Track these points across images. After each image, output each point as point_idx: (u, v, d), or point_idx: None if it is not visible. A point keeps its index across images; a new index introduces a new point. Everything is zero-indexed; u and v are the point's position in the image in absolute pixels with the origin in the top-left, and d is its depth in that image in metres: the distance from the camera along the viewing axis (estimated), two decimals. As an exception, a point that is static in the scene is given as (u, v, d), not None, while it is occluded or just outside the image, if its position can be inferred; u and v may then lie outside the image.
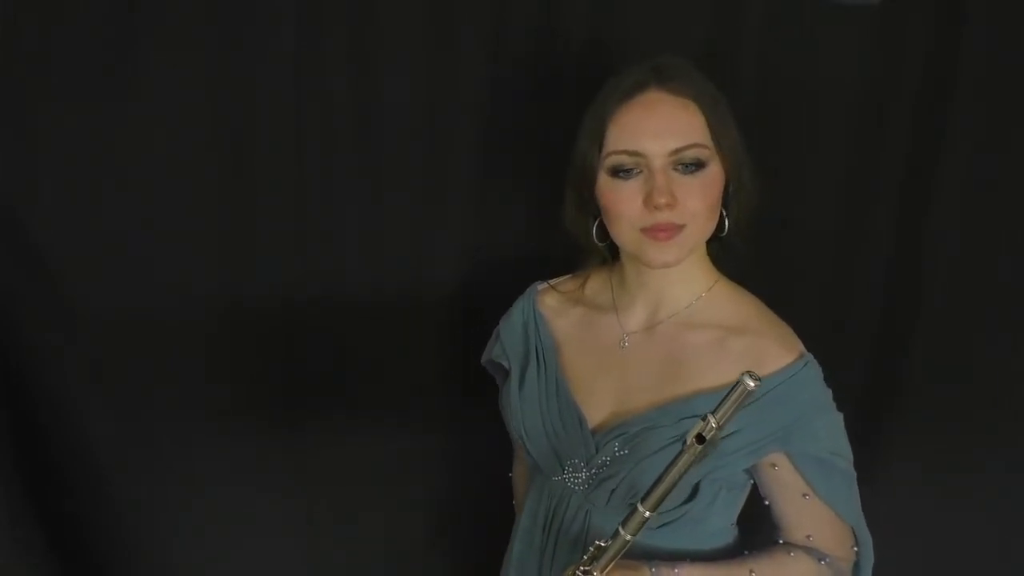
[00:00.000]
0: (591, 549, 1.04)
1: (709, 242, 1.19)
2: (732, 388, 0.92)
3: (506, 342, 1.31)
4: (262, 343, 1.59)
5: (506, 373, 1.35)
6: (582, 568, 1.04)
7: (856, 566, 1.20)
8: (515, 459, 1.45)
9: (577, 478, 1.20)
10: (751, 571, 1.14)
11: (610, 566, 1.03)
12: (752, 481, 1.20)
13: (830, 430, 1.15)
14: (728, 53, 1.46)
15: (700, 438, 0.94)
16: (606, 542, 1.02)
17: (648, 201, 1.09)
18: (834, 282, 1.53)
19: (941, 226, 1.47)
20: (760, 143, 1.47)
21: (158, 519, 1.62)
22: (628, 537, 1.00)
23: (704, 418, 0.93)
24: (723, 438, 1.05)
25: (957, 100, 1.42)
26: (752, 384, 0.90)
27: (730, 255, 1.22)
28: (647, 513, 0.98)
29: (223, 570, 1.68)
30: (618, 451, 1.14)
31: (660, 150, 1.09)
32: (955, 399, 1.53)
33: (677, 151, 1.09)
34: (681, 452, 0.95)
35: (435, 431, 1.65)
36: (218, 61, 1.46)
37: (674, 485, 0.97)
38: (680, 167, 1.10)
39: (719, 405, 0.93)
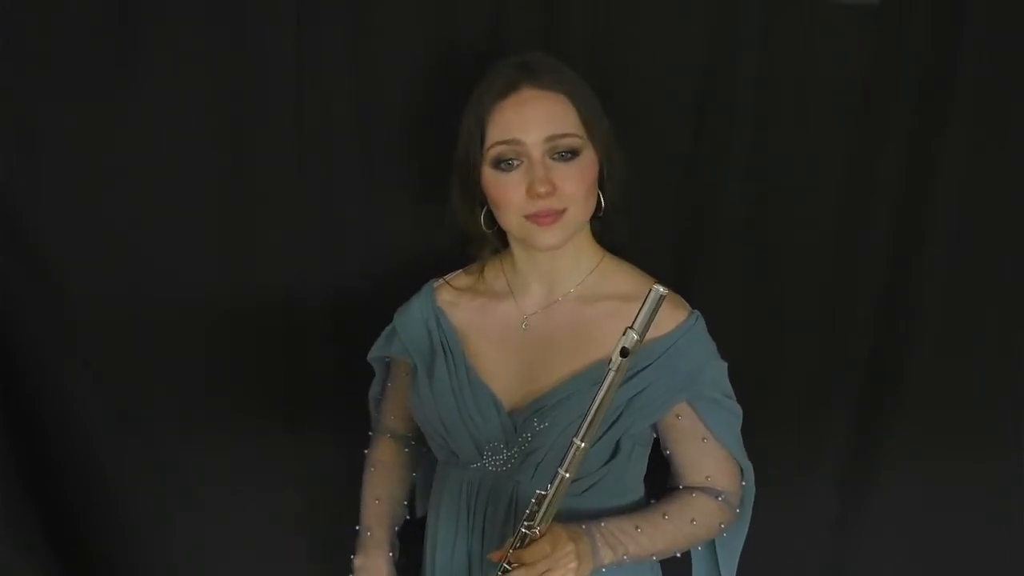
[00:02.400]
0: (532, 501, 1.09)
1: (592, 221, 1.27)
2: (645, 299, 0.99)
3: (407, 339, 1.35)
4: (262, 343, 1.59)
5: (386, 367, 1.43)
6: (525, 524, 1.10)
7: (741, 499, 1.32)
8: (374, 441, 1.46)
9: (497, 459, 1.26)
10: (664, 514, 1.25)
11: (552, 511, 1.08)
12: (655, 436, 1.30)
13: (721, 375, 1.28)
14: (728, 53, 1.46)
15: (624, 351, 0.99)
16: (547, 489, 1.08)
17: (530, 190, 1.16)
18: (834, 282, 1.53)
19: (941, 226, 1.47)
20: (760, 143, 1.48)
21: (158, 519, 1.62)
22: (567, 475, 1.05)
23: (624, 332, 0.99)
24: (636, 395, 1.20)
25: (957, 100, 1.42)
26: (662, 291, 0.99)
27: (614, 231, 1.31)
28: (582, 445, 1.04)
29: (223, 570, 1.68)
30: (538, 425, 1.21)
31: (536, 139, 1.17)
32: (955, 399, 1.53)
33: (552, 138, 1.17)
34: (607, 372, 1.01)
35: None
36: (218, 61, 1.46)
37: (606, 410, 1.03)
38: (556, 155, 1.18)
39: (636, 317, 0.99)
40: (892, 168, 1.47)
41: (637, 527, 1.22)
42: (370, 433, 1.50)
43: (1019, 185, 1.45)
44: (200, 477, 1.62)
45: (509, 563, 1.12)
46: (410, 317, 1.36)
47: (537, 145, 1.17)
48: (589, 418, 1.03)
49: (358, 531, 1.39)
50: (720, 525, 1.29)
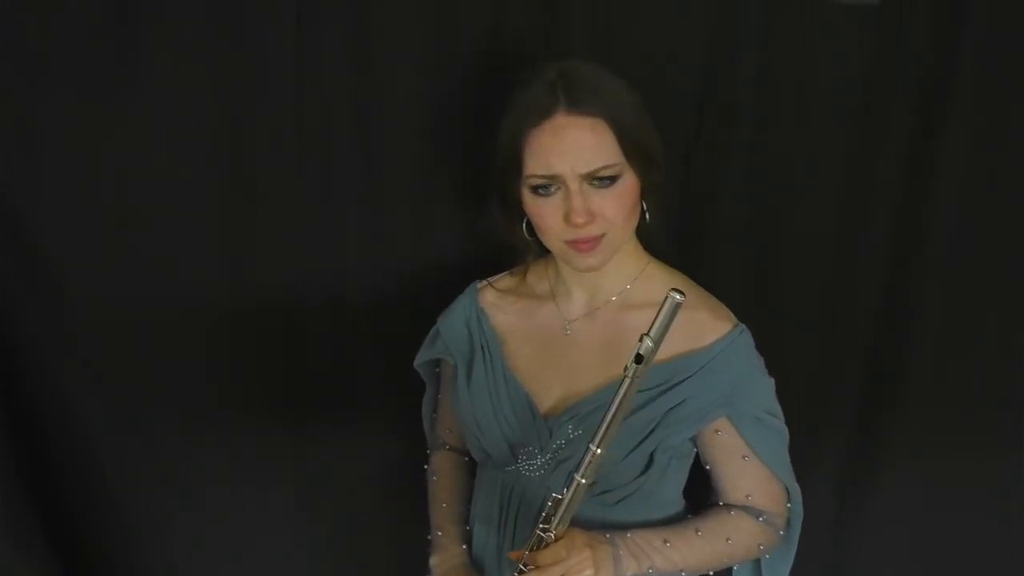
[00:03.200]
0: (548, 504, 1.10)
1: (637, 229, 1.25)
2: (661, 306, 0.98)
3: (449, 340, 1.35)
4: (262, 343, 1.59)
5: (437, 377, 1.43)
6: (541, 525, 1.10)
7: (788, 522, 1.29)
8: (433, 455, 1.47)
9: (532, 464, 1.25)
10: (697, 530, 1.22)
11: (568, 515, 1.08)
12: (695, 450, 1.27)
13: (765, 392, 1.25)
14: (728, 53, 1.46)
15: (639, 357, 0.99)
16: (562, 494, 1.08)
17: (567, 219, 1.14)
18: (834, 282, 1.53)
19: (941, 226, 1.47)
20: (760, 143, 1.48)
21: (158, 519, 1.62)
22: (583, 480, 1.05)
23: (640, 339, 0.99)
24: (672, 408, 1.18)
25: (957, 100, 1.42)
26: (679, 298, 0.97)
27: (655, 238, 1.29)
28: (598, 450, 1.03)
29: (223, 570, 1.68)
30: (572, 432, 1.20)
31: (572, 173, 1.13)
32: (955, 399, 1.53)
33: (589, 174, 1.13)
34: (623, 380, 1.01)
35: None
36: (218, 61, 1.46)
37: (621, 418, 1.02)
38: (595, 182, 1.14)
39: (652, 324, 0.99)
40: (892, 168, 1.47)
41: (666, 541, 1.19)
42: (427, 451, 1.50)
43: (1019, 185, 1.45)
44: (200, 477, 1.62)
45: (525, 564, 1.11)
46: (453, 318, 1.36)
47: (574, 178, 1.13)
48: (605, 424, 1.03)
49: (430, 538, 1.40)
50: (759, 546, 1.25)
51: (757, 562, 1.32)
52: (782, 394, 1.56)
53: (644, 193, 1.20)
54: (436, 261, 1.57)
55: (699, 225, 1.53)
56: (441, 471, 1.44)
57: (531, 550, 1.11)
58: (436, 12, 1.47)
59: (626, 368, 1.00)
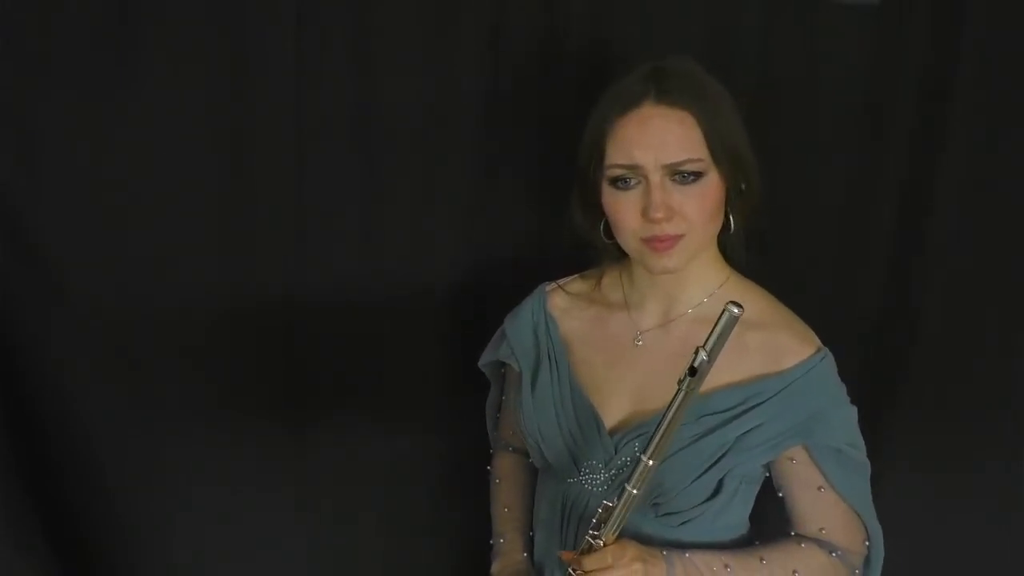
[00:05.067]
0: (599, 511, 1.08)
1: (719, 239, 1.20)
2: (718, 319, 0.97)
3: (514, 343, 1.31)
4: (262, 343, 1.59)
5: (502, 377, 1.37)
6: (591, 532, 1.08)
7: (867, 561, 1.22)
8: (496, 456, 1.46)
9: (595, 479, 1.20)
10: (761, 558, 1.16)
11: (619, 525, 1.06)
12: (767, 474, 1.22)
13: (846, 422, 1.18)
14: (728, 53, 1.46)
15: (692, 370, 0.98)
16: (613, 502, 1.06)
17: (645, 214, 1.10)
18: (834, 282, 1.53)
19: (941, 226, 1.47)
20: (759, 143, 1.48)
21: (158, 519, 1.62)
22: (634, 491, 1.03)
23: (696, 351, 0.97)
24: (745, 434, 1.12)
25: (957, 100, 1.42)
26: (737, 311, 0.95)
27: (737, 252, 1.24)
28: (650, 463, 1.02)
29: (223, 570, 1.67)
30: (638, 452, 1.11)
31: (654, 164, 1.10)
32: (955, 399, 1.53)
33: (671, 165, 1.10)
34: (677, 392, 1.00)
35: (435, 431, 1.65)
36: (218, 61, 1.46)
37: (674, 431, 1.02)
38: (677, 177, 1.11)
39: (707, 337, 0.97)
40: (892, 168, 1.47)
41: (727, 566, 1.14)
42: (490, 451, 1.49)
43: (1019, 185, 1.45)
44: (200, 477, 1.62)
45: (572, 568, 1.10)
46: (520, 321, 1.31)
47: (656, 170, 1.10)
48: (658, 436, 1.01)
49: (492, 544, 1.40)
50: None
51: None
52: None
53: (729, 200, 1.16)
54: (436, 261, 1.57)
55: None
56: (504, 474, 1.41)
57: (581, 554, 1.10)
58: (436, 12, 1.47)
59: (680, 381, 0.99)
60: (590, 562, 1.08)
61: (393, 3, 1.46)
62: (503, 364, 1.37)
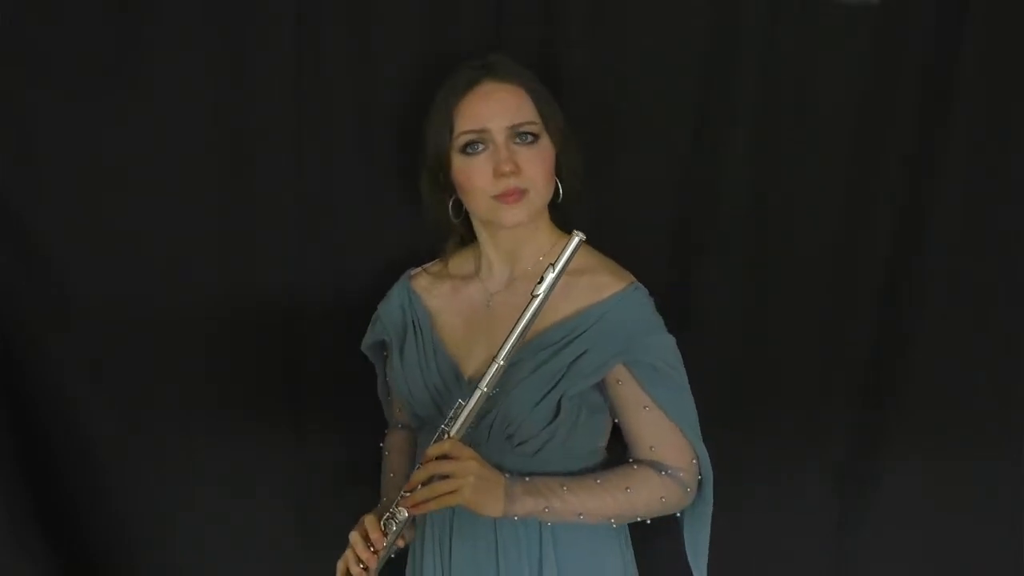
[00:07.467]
0: (454, 408, 1.22)
1: (549, 208, 1.36)
2: (564, 246, 1.16)
3: (386, 321, 1.46)
4: (262, 343, 1.59)
5: (384, 360, 1.50)
6: (444, 425, 1.22)
7: (700, 483, 1.34)
8: (388, 432, 1.54)
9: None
10: (597, 479, 1.30)
11: (468, 422, 1.21)
12: (607, 403, 1.34)
13: (663, 345, 1.32)
14: (728, 53, 1.46)
15: (541, 279, 1.16)
16: (466, 400, 1.21)
17: (496, 170, 1.27)
18: (834, 282, 1.53)
19: (941, 226, 1.47)
20: (760, 143, 1.48)
21: (158, 519, 1.62)
22: (484, 389, 1.19)
23: (547, 267, 1.16)
24: (575, 360, 1.28)
25: (957, 100, 1.42)
26: (581, 235, 1.15)
27: (565, 216, 1.38)
28: (502, 363, 1.18)
29: (223, 570, 1.67)
30: (492, 390, 1.27)
31: (500, 126, 1.28)
32: (955, 399, 1.53)
33: (514, 126, 1.28)
34: (530, 302, 1.17)
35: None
36: (218, 61, 1.46)
37: (522, 336, 1.18)
38: (518, 139, 1.29)
39: (557, 258, 1.16)
40: (892, 168, 1.47)
41: (564, 485, 1.27)
42: (385, 432, 1.55)
43: (1019, 185, 1.45)
44: (200, 477, 1.62)
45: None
46: (391, 303, 1.46)
47: (501, 131, 1.27)
48: (512, 339, 1.17)
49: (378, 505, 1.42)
50: (661, 499, 1.30)
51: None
52: (782, 394, 1.56)
53: (559, 170, 1.33)
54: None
55: (699, 224, 1.53)
56: (392, 447, 1.52)
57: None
58: (436, 13, 1.47)
59: (532, 292, 1.16)
60: (433, 449, 1.21)
61: (393, 3, 1.46)
62: (385, 348, 1.47)
